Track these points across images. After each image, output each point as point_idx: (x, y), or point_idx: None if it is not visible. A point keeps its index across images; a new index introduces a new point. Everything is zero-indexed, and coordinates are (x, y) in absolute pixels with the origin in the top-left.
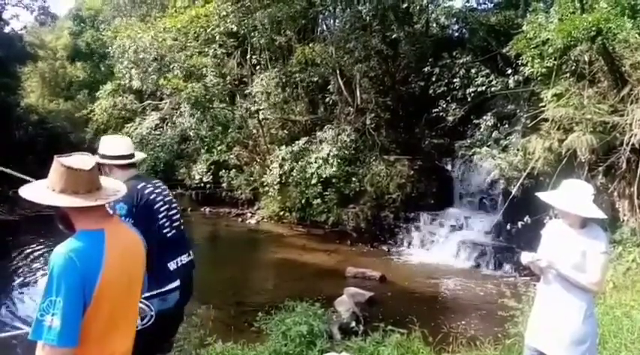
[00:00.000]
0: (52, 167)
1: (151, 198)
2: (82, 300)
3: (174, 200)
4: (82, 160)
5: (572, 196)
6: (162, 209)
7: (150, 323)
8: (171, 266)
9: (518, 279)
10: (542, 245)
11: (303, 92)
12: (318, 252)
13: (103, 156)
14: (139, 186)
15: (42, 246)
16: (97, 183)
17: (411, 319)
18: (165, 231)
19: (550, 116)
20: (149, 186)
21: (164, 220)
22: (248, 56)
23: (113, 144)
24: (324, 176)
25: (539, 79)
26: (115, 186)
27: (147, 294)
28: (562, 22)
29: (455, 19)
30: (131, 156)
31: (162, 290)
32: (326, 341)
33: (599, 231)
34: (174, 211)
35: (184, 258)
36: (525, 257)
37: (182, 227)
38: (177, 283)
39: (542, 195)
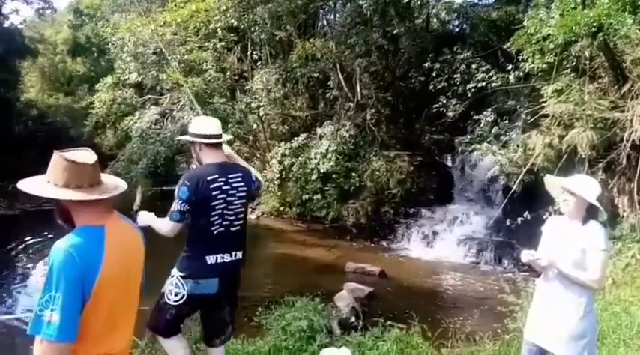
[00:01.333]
0: (53, 162)
1: (212, 194)
2: (82, 296)
3: (241, 195)
4: (84, 155)
5: (582, 184)
6: (218, 207)
7: (181, 301)
8: (210, 260)
9: (517, 275)
10: (542, 242)
11: (304, 87)
12: (317, 247)
13: (194, 135)
14: (208, 177)
15: (42, 241)
16: (98, 177)
17: (411, 314)
18: (213, 227)
19: (550, 112)
20: (220, 179)
21: (216, 217)
22: (248, 51)
23: (204, 124)
24: (322, 171)
25: (539, 74)
26: (114, 181)
27: (182, 273)
28: (563, 17)
29: (456, 15)
30: (219, 136)
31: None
32: (326, 336)
33: (599, 227)
34: (233, 211)
35: (227, 257)
36: (525, 255)
37: (238, 226)
38: (213, 276)
39: (550, 177)
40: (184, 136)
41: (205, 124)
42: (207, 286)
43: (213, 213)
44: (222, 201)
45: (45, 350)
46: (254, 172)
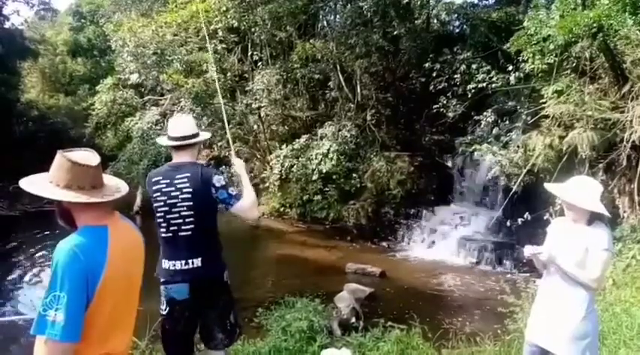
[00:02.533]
0: (56, 162)
1: (154, 196)
2: (86, 295)
3: (185, 197)
4: (87, 156)
5: (580, 191)
6: (160, 209)
7: (165, 309)
8: (165, 264)
9: (517, 276)
10: (546, 241)
11: (304, 88)
12: (318, 248)
13: (166, 137)
14: (153, 179)
15: (42, 241)
16: (100, 179)
17: (411, 315)
18: (161, 231)
19: (551, 113)
20: (163, 180)
21: (161, 220)
22: (249, 52)
23: (171, 126)
24: (324, 171)
25: (539, 75)
26: (115, 183)
27: (160, 278)
28: (563, 18)
29: (456, 15)
30: (185, 137)
31: (163, 280)
32: (326, 336)
33: (604, 228)
34: (178, 214)
35: (179, 264)
36: (527, 250)
37: (189, 231)
38: (182, 281)
39: (549, 186)
40: (160, 139)
41: (172, 126)
42: (177, 291)
43: (157, 216)
44: (162, 203)
45: (49, 351)
46: (245, 192)
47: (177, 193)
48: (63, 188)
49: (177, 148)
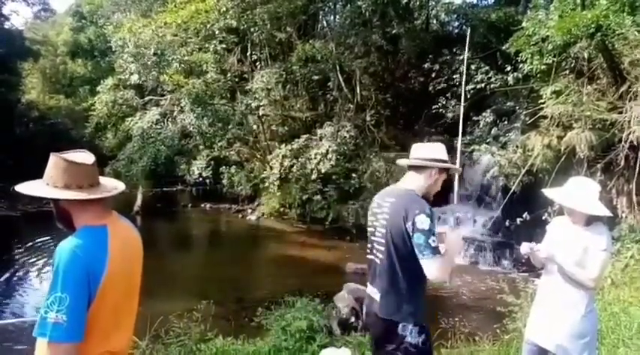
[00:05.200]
0: (52, 163)
1: (369, 215)
2: (87, 296)
3: (381, 228)
4: (83, 156)
5: (579, 194)
6: (368, 229)
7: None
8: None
9: (516, 275)
10: (545, 240)
11: (304, 89)
12: (318, 248)
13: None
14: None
15: (43, 242)
16: (97, 178)
17: None
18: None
19: (549, 113)
20: (377, 200)
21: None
22: (248, 52)
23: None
24: (322, 171)
25: (538, 75)
26: (112, 183)
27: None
28: (562, 18)
29: (455, 16)
30: (413, 158)
31: None
32: (325, 336)
33: (603, 228)
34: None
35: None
36: (525, 247)
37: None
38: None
39: (547, 192)
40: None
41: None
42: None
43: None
44: (370, 223)
45: (52, 352)
46: (447, 256)
47: (380, 217)
48: (61, 188)
49: (408, 168)
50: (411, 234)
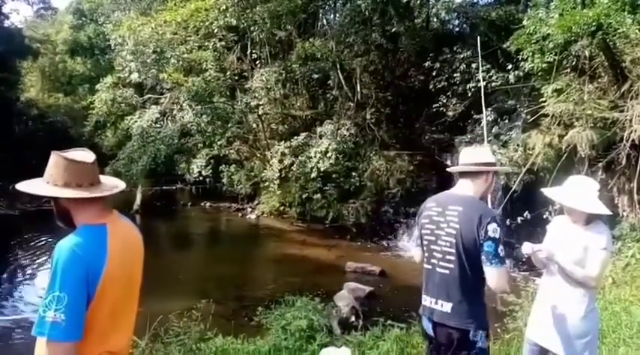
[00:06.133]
0: (52, 162)
1: (423, 222)
2: (86, 295)
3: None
4: (83, 154)
5: (578, 192)
6: (425, 238)
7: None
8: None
9: (517, 274)
10: (546, 239)
11: (304, 87)
12: (318, 247)
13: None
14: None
15: (42, 241)
16: (97, 176)
17: (411, 314)
18: (424, 260)
19: (550, 111)
20: (435, 208)
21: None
22: (248, 51)
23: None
24: (322, 170)
25: (539, 74)
26: (112, 181)
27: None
28: (562, 17)
29: (455, 14)
30: (466, 164)
31: None
32: (326, 335)
33: (603, 227)
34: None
35: (427, 302)
36: (526, 247)
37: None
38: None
39: (547, 192)
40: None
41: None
42: (425, 327)
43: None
44: (429, 231)
45: (51, 351)
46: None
47: (445, 225)
48: (61, 186)
49: (461, 175)
50: (482, 241)
